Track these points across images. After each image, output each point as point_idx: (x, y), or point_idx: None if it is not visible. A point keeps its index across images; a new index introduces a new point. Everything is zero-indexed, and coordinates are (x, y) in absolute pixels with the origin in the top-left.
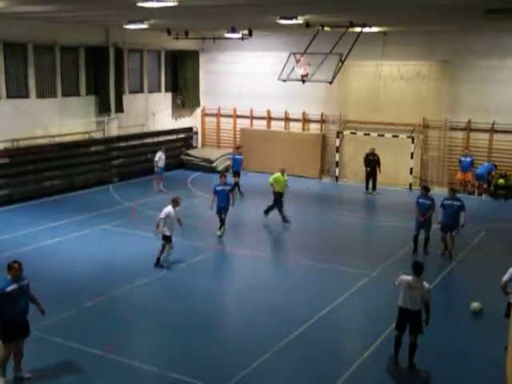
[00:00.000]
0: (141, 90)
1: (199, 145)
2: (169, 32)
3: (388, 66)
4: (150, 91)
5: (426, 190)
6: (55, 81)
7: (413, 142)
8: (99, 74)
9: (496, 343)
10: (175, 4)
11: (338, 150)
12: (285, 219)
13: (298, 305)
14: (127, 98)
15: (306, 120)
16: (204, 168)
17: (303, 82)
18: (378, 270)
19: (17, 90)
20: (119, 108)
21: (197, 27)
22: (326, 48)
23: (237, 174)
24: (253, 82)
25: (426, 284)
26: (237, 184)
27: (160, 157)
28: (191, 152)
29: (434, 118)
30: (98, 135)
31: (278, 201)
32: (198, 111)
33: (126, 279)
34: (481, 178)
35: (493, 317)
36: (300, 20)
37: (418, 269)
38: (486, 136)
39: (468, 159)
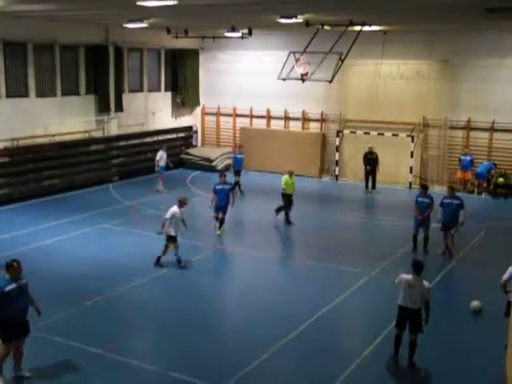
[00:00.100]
0: (140, 89)
1: (199, 144)
2: (168, 31)
3: (388, 65)
4: (150, 90)
5: (424, 188)
6: (55, 80)
7: (413, 141)
8: (99, 72)
9: (496, 342)
10: (175, 3)
11: (337, 148)
12: (288, 221)
13: (298, 304)
14: (127, 97)
15: (305, 119)
16: (204, 167)
17: (303, 80)
18: (378, 268)
19: (16, 90)
20: (119, 107)
21: (196, 26)
22: (325, 47)
23: (237, 173)
24: (252, 80)
25: (425, 283)
26: (237, 183)
27: (161, 156)
28: (191, 151)
29: (433, 116)
30: (97, 134)
31: (286, 202)
32: (198, 110)
33: (125, 278)
34: (480, 176)
35: (493, 315)
36: (300, 19)
37: (417, 268)
38: (486, 135)
39: (468, 158)
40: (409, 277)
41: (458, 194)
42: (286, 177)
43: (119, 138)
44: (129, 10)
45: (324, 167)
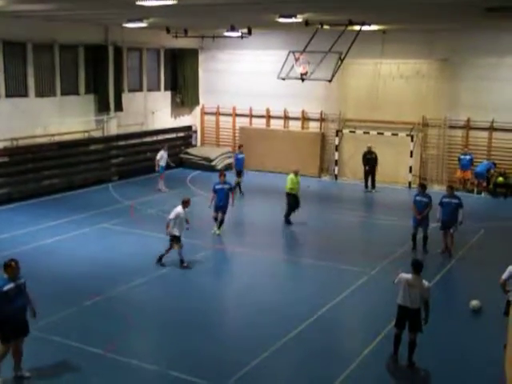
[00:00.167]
0: (140, 89)
1: (198, 143)
2: (168, 30)
3: (387, 65)
4: (150, 90)
5: (422, 187)
6: (54, 80)
7: (412, 141)
8: (98, 72)
9: (495, 341)
10: (174, 2)
11: (337, 148)
12: (288, 222)
13: (298, 303)
14: (126, 97)
15: (305, 118)
16: (203, 167)
17: (302, 80)
18: (378, 268)
19: (16, 89)
20: (118, 107)
21: (196, 25)
22: (325, 46)
23: (239, 173)
24: (252, 80)
25: (425, 282)
26: (238, 183)
27: (162, 156)
28: (190, 150)
29: (433, 116)
30: (97, 134)
31: (290, 202)
32: (198, 110)
33: (125, 278)
34: (480, 176)
35: (492, 315)
36: (299, 18)
37: (417, 267)
38: (486, 134)
39: (467, 157)
40: (408, 276)
41: (458, 193)
42: (291, 176)
43: (119, 137)
44: (128, 9)
45: (323, 167)
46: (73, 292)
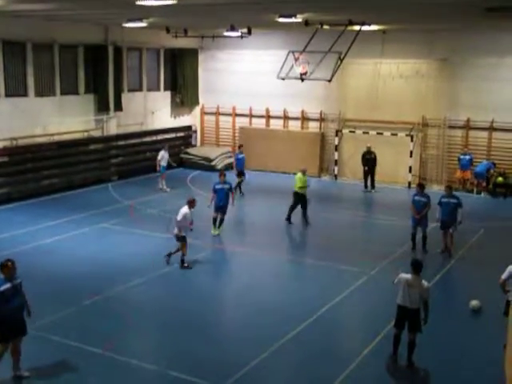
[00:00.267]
0: (140, 89)
1: (198, 143)
2: (168, 30)
3: (387, 64)
4: (149, 89)
5: (421, 187)
6: (54, 79)
7: (412, 141)
8: (98, 72)
9: (495, 341)
10: (174, 2)
11: (336, 148)
12: (288, 219)
13: (297, 303)
14: (126, 97)
15: (304, 118)
16: (203, 166)
17: (302, 80)
18: (378, 268)
19: (15, 89)
20: (118, 106)
21: (196, 25)
22: (324, 46)
23: (241, 173)
24: (252, 80)
25: (424, 282)
26: (239, 183)
27: (163, 156)
28: (190, 150)
29: (433, 116)
30: (96, 134)
31: (297, 202)
32: (197, 109)
33: (124, 278)
34: (480, 176)
35: (492, 315)
36: (299, 18)
37: (417, 267)
38: (485, 134)
39: (467, 157)
40: (408, 276)
41: (458, 193)
42: (299, 175)
43: (118, 137)
44: (128, 9)
45: (323, 166)
46: (72, 292)
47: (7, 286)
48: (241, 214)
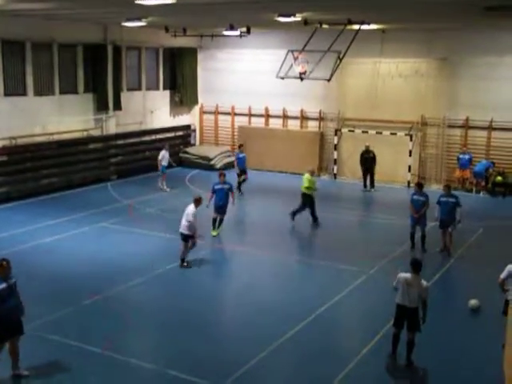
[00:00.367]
0: (139, 88)
1: (197, 142)
2: (167, 29)
3: (386, 64)
4: (148, 89)
5: (419, 186)
6: (53, 78)
7: (411, 140)
8: (97, 71)
9: (494, 341)
10: (173, 1)
11: (336, 147)
12: (293, 217)
13: (296, 302)
14: (125, 96)
15: (304, 117)
16: (202, 166)
17: (301, 79)
18: (377, 267)
19: (14, 88)
20: (117, 106)
21: (195, 24)
22: (324, 45)
23: (243, 172)
24: (251, 79)
25: (423, 282)
26: (239, 183)
27: (163, 155)
28: (189, 150)
29: (432, 115)
30: (96, 133)
31: (306, 203)
32: (196, 109)
33: (124, 277)
34: (479, 175)
35: (491, 314)
36: (298, 17)
37: (416, 266)
38: (484, 133)
39: (466, 157)
40: (407, 275)
41: (457, 192)
42: (307, 176)
43: (117, 136)
44: (127, 8)
45: (322, 166)
46: (71, 291)
47: (3, 285)
48: (240, 213)
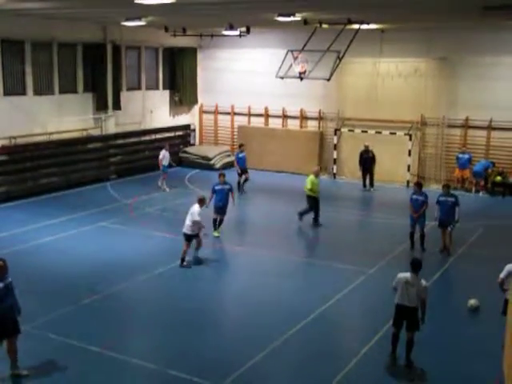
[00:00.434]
0: (138, 88)
1: (197, 142)
2: (166, 29)
3: (386, 63)
4: (148, 88)
5: (419, 186)
6: (53, 78)
7: (410, 140)
8: (97, 71)
9: (493, 340)
10: (173, 1)
11: (335, 147)
12: (301, 217)
13: (296, 302)
14: (125, 96)
15: (303, 117)
16: (202, 165)
17: (301, 79)
18: (376, 267)
19: (14, 88)
20: (117, 105)
21: (194, 24)
22: (323, 45)
23: (243, 172)
24: (250, 79)
25: (423, 281)
26: (239, 183)
27: (164, 155)
28: (189, 149)
29: (431, 115)
30: (95, 132)
31: (312, 205)
32: (196, 108)
33: (124, 277)
34: (478, 175)
35: (490, 314)
36: (298, 17)
37: (415, 266)
38: (484, 133)
39: (466, 156)
40: (407, 275)
41: (456, 192)
42: (311, 177)
43: (117, 136)
44: (127, 7)
45: (322, 165)
46: (71, 290)
47: (0, 285)
48: (240, 213)
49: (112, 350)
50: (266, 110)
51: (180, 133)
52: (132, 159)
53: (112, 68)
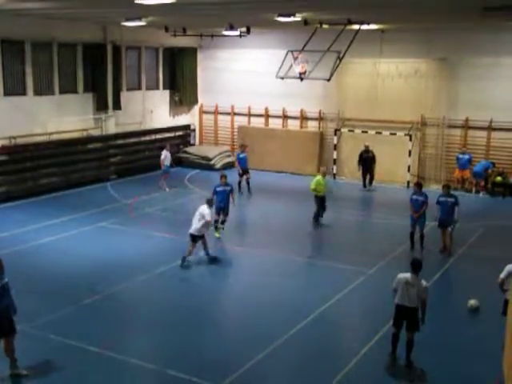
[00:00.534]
0: (138, 88)
1: (197, 142)
2: (166, 29)
3: (386, 64)
4: (148, 88)
5: (419, 186)
6: (53, 78)
7: (410, 140)
8: (97, 71)
9: (493, 341)
10: (173, 1)
11: (335, 147)
12: (316, 220)
13: (296, 302)
14: (125, 96)
15: (303, 117)
16: (202, 165)
17: (301, 79)
18: (376, 267)
19: (14, 88)
20: (117, 105)
21: (195, 24)
22: (323, 45)
23: (244, 172)
24: (251, 79)
25: (423, 282)
26: (239, 183)
27: (166, 155)
28: (189, 149)
29: (431, 115)
30: (95, 132)
31: (320, 205)
32: (196, 108)
33: (124, 277)
34: (478, 175)
35: (490, 314)
36: (298, 17)
37: (416, 266)
38: (484, 134)
39: (466, 157)
40: (407, 275)
41: (456, 192)
42: (318, 178)
43: (117, 136)
44: (127, 8)
45: (322, 166)
46: (71, 290)
47: None
48: (241, 213)
49: (111, 350)
50: (266, 110)
51: (180, 133)
52: (132, 159)
53: (112, 68)
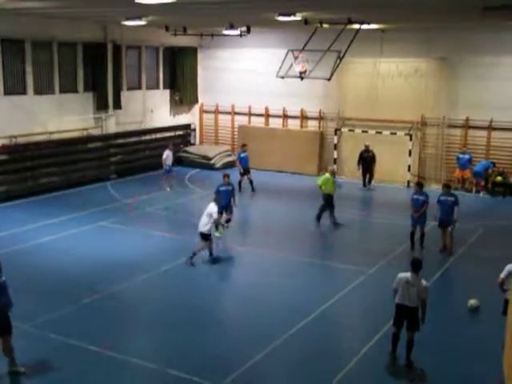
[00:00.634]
0: (139, 87)
1: (197, 142)
2: (167, 28)
3: (386, 63)
4: (148, 88)
5: (419, 186)
6: (53, 77)
7: (411, 140)
8: (97, 70)
9: (493, 340)
10: (173, 0)
11: (335, 147)
12: (334, 221)
13: (296, 302)
14: (125, 95)
15: (304, 117)
16: (202, 165)
17: (301, 78)
18: (376, 267)
19: (14, 87)
20: (117, 105)
21: (195, 24)
22: (324, 45)
23: (245, 171)
24: (251, 78)
25: (423, 281)
26: (240, 183)
27: (167, 155)
28: (189, 149)
29: (432, 115)
30: (95, 132)
31: (328, 203)
32: (196, 108)
33: (124, 276)
34: (478, 175)
35: (490, 314)
36: (298, 17)
37: (416, 266)
38: (484, 133)
39: (466, 156)
40: (407, 275)
41: (456, 192)
42: (326, 175)
43: (117, 135)
44: (127, 7)
45: (322, 165)
46: (71, 290)
47: None
48: (242, 213)
49: (112, 350)
50: (267, 109)
51: (180, 132)
52: (132, 159)
53: (112, 67)
